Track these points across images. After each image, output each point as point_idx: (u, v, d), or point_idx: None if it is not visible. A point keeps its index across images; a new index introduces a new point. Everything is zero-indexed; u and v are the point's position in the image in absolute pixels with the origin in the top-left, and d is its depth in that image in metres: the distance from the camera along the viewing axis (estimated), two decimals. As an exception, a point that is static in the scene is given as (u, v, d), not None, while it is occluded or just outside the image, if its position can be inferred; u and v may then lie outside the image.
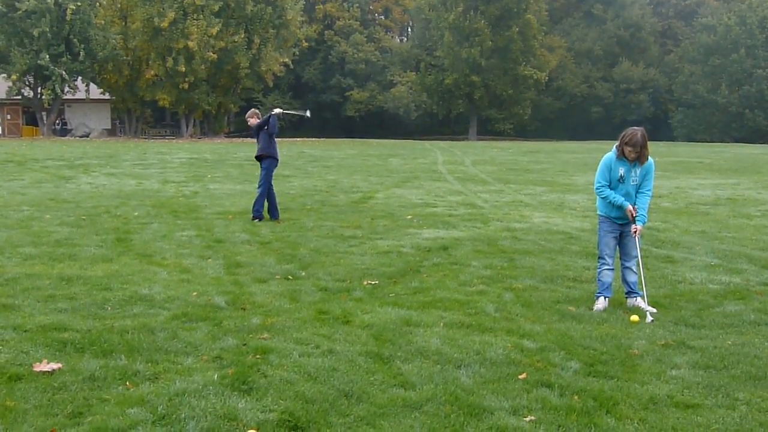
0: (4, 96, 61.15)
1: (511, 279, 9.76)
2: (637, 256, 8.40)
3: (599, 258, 8.60)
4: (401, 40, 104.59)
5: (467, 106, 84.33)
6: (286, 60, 69.89)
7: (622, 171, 8.24)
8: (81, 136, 62.70)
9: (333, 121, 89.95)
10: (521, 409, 5.40)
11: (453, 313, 7.96)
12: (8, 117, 66.36)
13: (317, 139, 67.58)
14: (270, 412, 5.24)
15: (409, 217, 15.68)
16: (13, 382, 5.68)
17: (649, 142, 8.15)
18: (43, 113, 62.39)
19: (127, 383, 5.71)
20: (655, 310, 8.08)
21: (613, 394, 5.69)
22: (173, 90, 63.13)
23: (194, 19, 60.42)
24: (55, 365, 5.99)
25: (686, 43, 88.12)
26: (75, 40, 58.32)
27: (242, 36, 63.22)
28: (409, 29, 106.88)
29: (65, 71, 58.20)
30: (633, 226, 8.30)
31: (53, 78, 57.97)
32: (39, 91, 60.63)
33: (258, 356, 6.37)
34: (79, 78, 61.48)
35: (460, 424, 5.10)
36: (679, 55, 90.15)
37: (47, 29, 56.51)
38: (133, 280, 9.16)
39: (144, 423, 4.99)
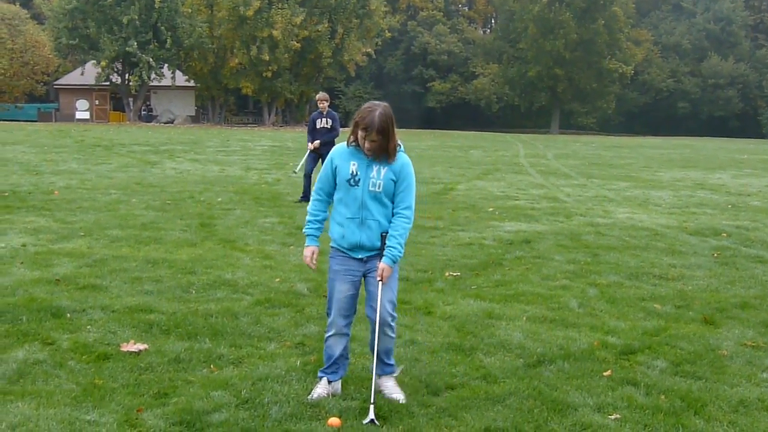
0: (92, 82, 62.66)
1: (595, 274, 9.59)
2: (383, 314, 5.25)
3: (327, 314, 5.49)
4: (484, 32, 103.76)
5: (550, 99, 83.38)
6: (369, 50, 70.11)
7: (354, 167, 5.27)
8: (166, 123, 63.98)
9: (414, 111, 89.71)
10: (606, 406, 5.29)
11: (536, 307, 7.86)
12: (96, 102, 68.06)
13: (398, 129, 67.51)
14: (352, 400, 5.25)
15: (491, 209, 15.56)
16: (101, 361, 5.80)
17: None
18: (130, 99, 63.91)
19: (212, 366, 5.78)
20: (403, 398, 5.31)
21: (702, 395, 5.53)
22: (256, 78, 63.86)
23: (279, 8, 61.06)
24: (141, 346, 6.10)
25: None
26: (162, 27, 59.46)
27: (326, 25, 63.58)
28: (493, 21, 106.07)
29: (152, 58, 59.39)
30: (378, 263, 5.40)
31: (140, 65, 59.26)
32: (126, 77, 62.05)
33: (340, 344, 6.36)
34: (165, 65, 62.66)
35: (543, 420, 5.02)
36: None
37: (136, 17, 57.79)
38: (216, 265, 9.28)
39: (228, 406, 5.03)
